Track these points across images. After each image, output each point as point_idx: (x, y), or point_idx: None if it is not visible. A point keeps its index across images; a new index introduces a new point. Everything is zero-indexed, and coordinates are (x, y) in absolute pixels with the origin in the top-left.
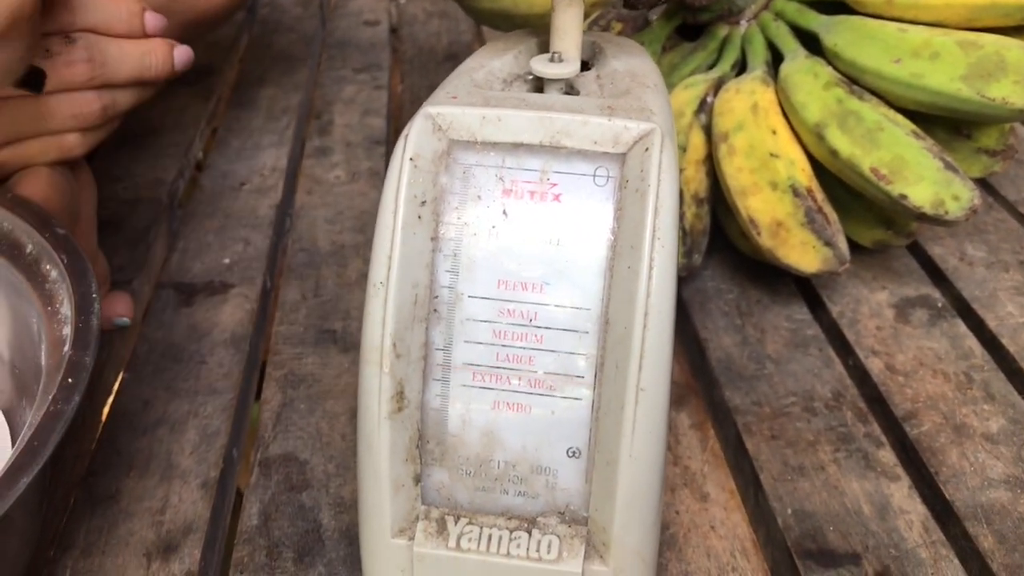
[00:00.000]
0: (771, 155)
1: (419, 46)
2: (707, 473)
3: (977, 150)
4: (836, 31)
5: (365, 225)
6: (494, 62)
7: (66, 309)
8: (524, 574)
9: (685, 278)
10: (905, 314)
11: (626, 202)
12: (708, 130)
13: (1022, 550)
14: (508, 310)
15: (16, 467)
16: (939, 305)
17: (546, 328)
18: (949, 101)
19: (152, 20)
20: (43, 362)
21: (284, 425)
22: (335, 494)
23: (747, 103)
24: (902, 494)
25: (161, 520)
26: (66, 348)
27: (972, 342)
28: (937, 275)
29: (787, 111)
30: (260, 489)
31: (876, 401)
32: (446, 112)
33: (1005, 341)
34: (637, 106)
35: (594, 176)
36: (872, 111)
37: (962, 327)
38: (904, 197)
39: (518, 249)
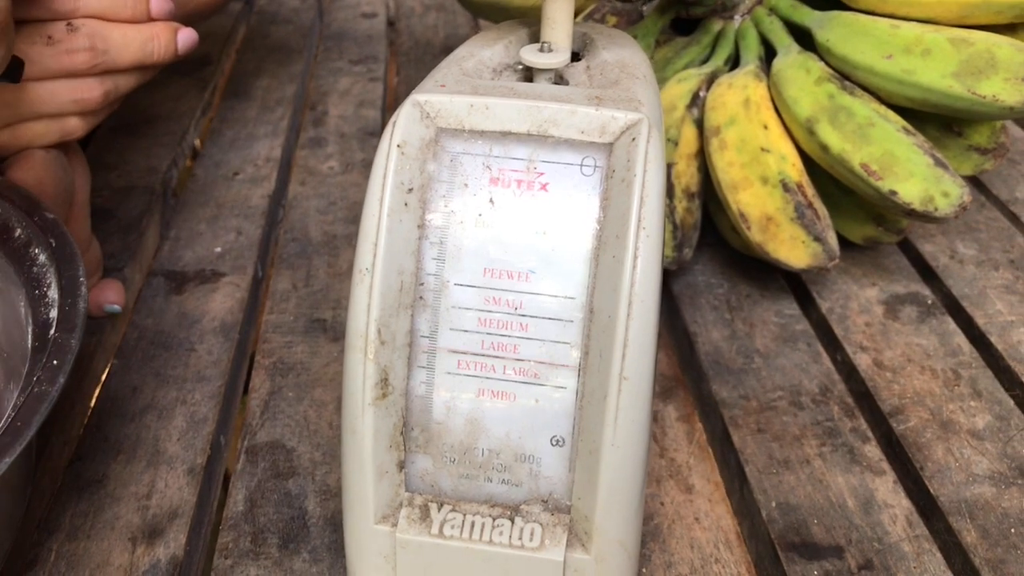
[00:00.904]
0: (762, 150)
1: (416, 39)
2: (693, 465)
3: (968, 148)
4: (829, 27)
5: (358, 216)
6: (484, 52)
7: (53, 293)
8: (506, 561)
9: (675, 272)
10: (894, 311)
11: (612, 192)
12: (700, 124)
13: (1005, 545)
14: (494, 298)
15: None
16: (928, 302)
17: (531, 317)
18: (940, 98)
19: (157, 4)
20: (29, 345)
21: (272, 413)
22: (321, 482)
23: (739, 98)
24: (887, 489)
25: (147, 505)
26: (52, 331)
27: (960, 339)
28: (927, 272)
29: (779, 106)
30: (246, 476)
31: (863, 396)
32: (434, 100)
33: (993, 339)
34: (625, 96)
35: (581, 166)
36: (863, 107)
37: (951, 324)
38: (894, 193)
39: (504, 238)
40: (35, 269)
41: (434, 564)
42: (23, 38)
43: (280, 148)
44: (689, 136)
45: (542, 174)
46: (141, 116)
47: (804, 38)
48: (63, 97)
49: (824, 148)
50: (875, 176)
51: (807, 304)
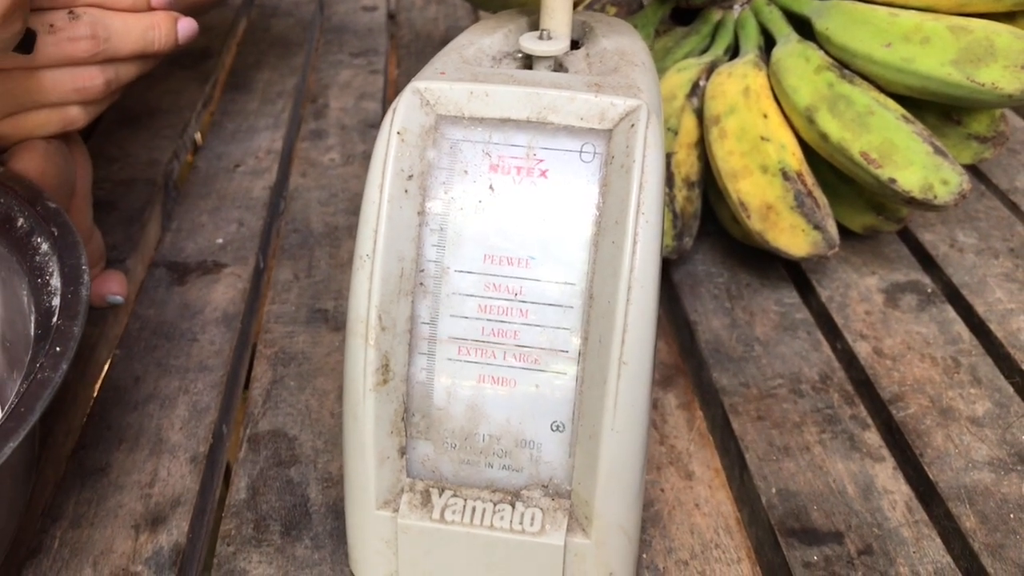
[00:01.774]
0: (762, 138)
1: (416, 32)
2: (693, 452)
3: (967, 136)
4: (828, 15)
5: (359, 207)
6: (484, 40)
7: (56, 281)
8: (507, 546)
9: (675, 261)
10: (894, 299)
11: (611, 178)
12: (700, 114)
13: (1004, 530)
14: (494, 284)
15: (2, 433)
16: (928, 291)
17: (531, 303)
18: (939, 86)
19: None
20: (32, 334)
21: (274, 402)
22: (323, 469)
23: (739, 87)
24: (886, 475)
25: (150, 493)
26: (55, 318)
27: (960, 327)
28: (927, 261)
29: (778, 95)
30: (249, 464)
31: (863, 384)
32: (434, 87)
33: (993, 327)
34: (624, 83)
35: (580, 152)
36: (863, 95)
37: (951, 312)
38: (893, 181)
39: (504, 224)
40: (37, 258)
41: (435, 549)
42: None
43: (281, 140)
44: (689, 125)
45: (541, 161)
46: (142, 109)
47: (803, 27)
48: (65, 86)
49: (823, 136)
50: (874, 164)
51: (807, 293)
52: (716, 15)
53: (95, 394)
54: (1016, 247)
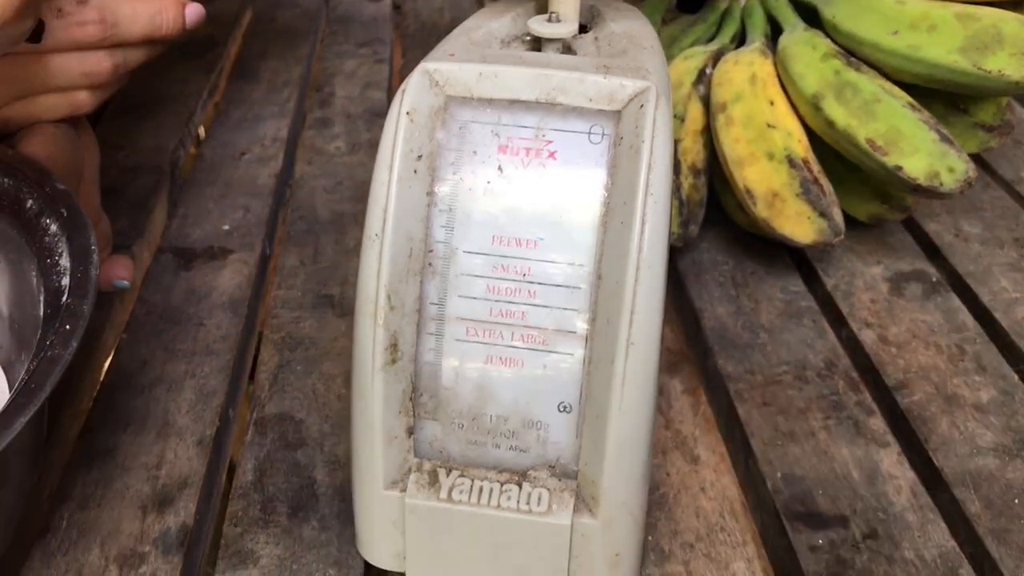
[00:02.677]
0: (768, 126)
1: (422, 21)
2: (698, 437)
3: (974, 125)
4: (834, 3)
5: (365, 195)
6: (493, 23)
7: (65, 261)
8: (514, 526)
9: (681, 249)
10: (899, 288)
11: (620, 159)
12: (706, 101)
13: (1008, 515)
14: (502, 265)
15: (12, 408)
16: (933, 280)
17: (539, 284)
18: (946, 73)
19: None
20: (41, 314)
21: (280, 386)
22: (330, 452)
23: (745, 74)
24: (891, 460)
25: (157, 475)
26: (64, 298)
27: (965, 316)
28: (932, 251)
29: (785, 82)
30: (256, 447)
31: (868, 371)
32: (443, 68)
33: (998, 315)
34: (633, 65)
35: (589, 134)
36: (869, 83)
37: (956, 301)
38: (899, 168)
39: (513, 205)
40: (47, 239)
41: (442, 529)
42: None
43: (287, 129)
44: (695, 113)
45: (550, 142)
46: (149, 97)
47: (810, 15)
48: (73, 70)
49: (830, 124)
50: (880, 151)
51: (812, 281)
52: (723, 3)
53: (102, 378)
54: (1021, 237)
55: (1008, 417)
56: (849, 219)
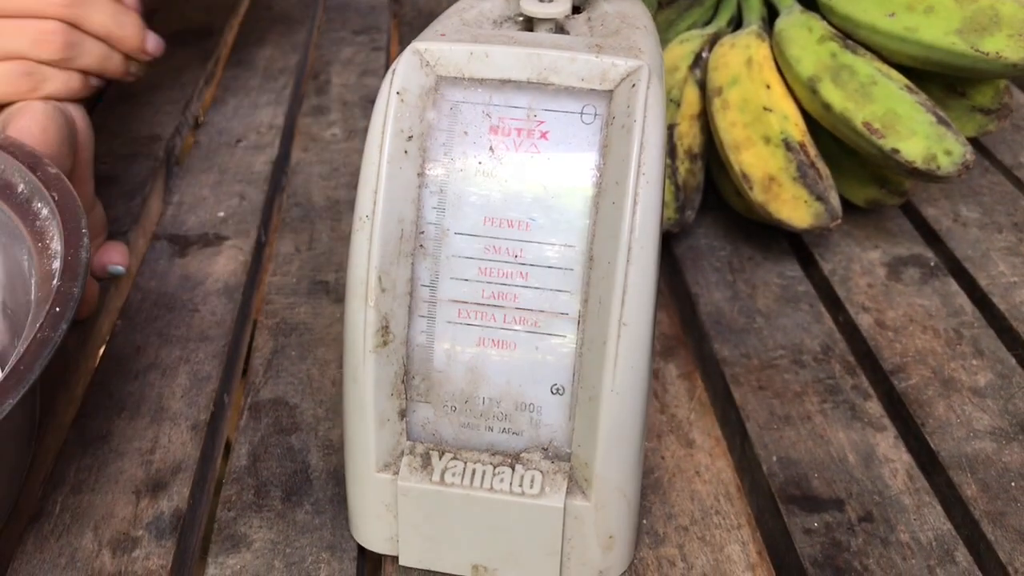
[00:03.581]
0: (764, 109)
1: (419, 9)
2: (694, 421)
3: (972, 108)
4: None
5: None
6: (485, 3)
7: (56, 244)
8: (507, 508)
9: (678, 234)
10: (897, 272)
11: (612, 139)
12: (703, 85)
13: (1005, 498)
14: (494, 247)
15: (1, 391)
16: (931, 264)
17: (532, 265)
18: (943, 55)
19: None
20: (33, 297)
21: (275, 371)
22: (324, 436)
23: (742, 58)
24: (887, 444)
25: (151, 460)
26: (55, 281)
27: (963, 300)
28: (930, 235)
29: (781, 66)
30: (250, 431)
31: (865, 355)
32: (434, 48)
33: (996, 299)
34: (626, 45)
35: (581, 114)
36: (866, 65)
37: (954, 285)
38: (896, 151)
39: (504, 186)
40: (38, 223)
41: (435, 511)
42: None
43: (283, 116)
44: (692, 97)
45: (542, 122)
46: (145, 85)
47: None
48: (24, 34)
49: (826, 107)
50: (877, 134)
51: (809, 266)
52: None
53: (96, 364)
54: (1020, 221)
55: (1005, 401)
56: (847, 204)
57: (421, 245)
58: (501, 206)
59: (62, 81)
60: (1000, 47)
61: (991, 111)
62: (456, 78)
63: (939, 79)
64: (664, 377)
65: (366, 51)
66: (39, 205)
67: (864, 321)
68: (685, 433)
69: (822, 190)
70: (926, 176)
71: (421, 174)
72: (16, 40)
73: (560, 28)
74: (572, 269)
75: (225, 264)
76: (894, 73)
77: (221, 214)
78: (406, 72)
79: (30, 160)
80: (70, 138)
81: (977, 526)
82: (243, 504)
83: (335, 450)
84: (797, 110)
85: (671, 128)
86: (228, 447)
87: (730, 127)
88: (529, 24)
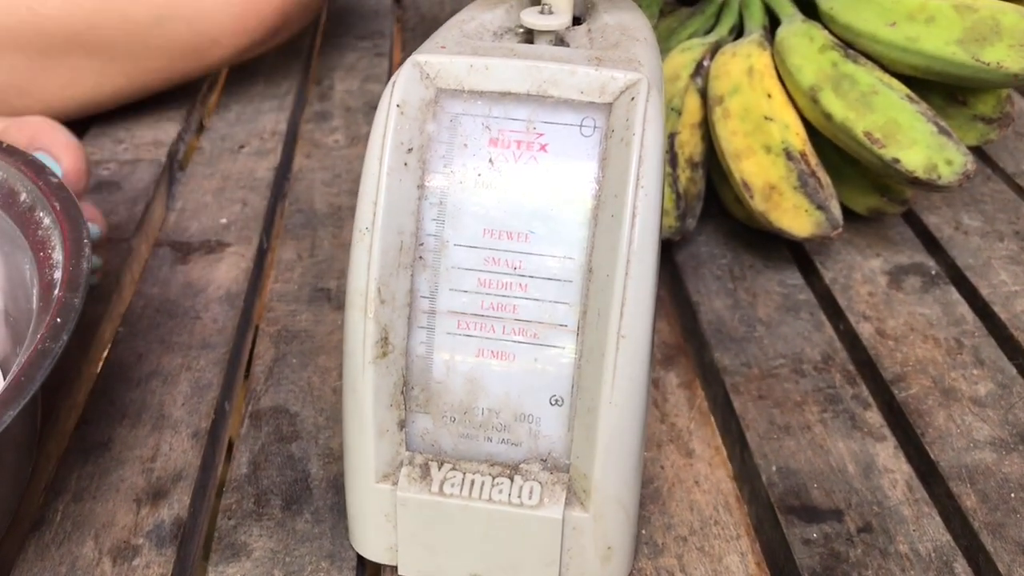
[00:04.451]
0: (765, 118)
1: (422, 15)
2: (693, 430)
3: (973, 117)
4: None
5: None
6: (485, 15)
7: (58, 254)
8: (506, 519)
9: (679, 242)
10: (898, 281)
11: (611, 152)
12: (704, 94)
13: (1004, 509)
14: (493, 259)
15: (3, 402)
16: (932, 273)
17: (531, 277)
18: (944, 65)
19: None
20: (35, 307)
21: (276, 379)
22: (324, 445)
23: (743, 66)
24: (887, 454)
25: (152, 468)
26: (56, 291)
27: (964, 309)
28: (932, 244)
29: (782, 75)
30: (250, 439)
31: (865, 364)
32: (434, 60)
33: (997, 308)
34: (625, 57)
35: (580, 126)
36: (867, 75)
37: (955, 294)
38: (897, 161)
39: (504, 198)
40: (40, 232)
41: (434, 522)
42: None
43: (286, 122)
44: (693, 106)
45: (541, 135)
46: None
47: (808, 7)
48: None
49: (827, 116)
50: (878, 144)
51: (810, 274)
52: None
53: (98, 371)
54: (1021, 230)
55: (1005, 411)
56: (848, 212)
57: (420, 257)
58: (500, 218)
59: None
60: (1001, 57)
61: (993, 120)
62: (456, 90)
63: (940, 88)
64: (664, 386)
65: (369, 57)
66: (41, 214)
67: (865, 330)
68: (685, 443)
69: (823, 199)
70: (927, 186)
71: (421, 186)
72: None
73: (560, 40)
74: (571, 281)
75: (227, 271)
76: (895, 82)
77: (223, 220)
78: (406, 84)
79: (33, 169)
80: None
81: (976, 537)
82: (243, 512)
83: (335, 459)
84: (798, 119)
85: (672, 136)
86: (229, 455)
87: (731, 136)
88: (529, 36)
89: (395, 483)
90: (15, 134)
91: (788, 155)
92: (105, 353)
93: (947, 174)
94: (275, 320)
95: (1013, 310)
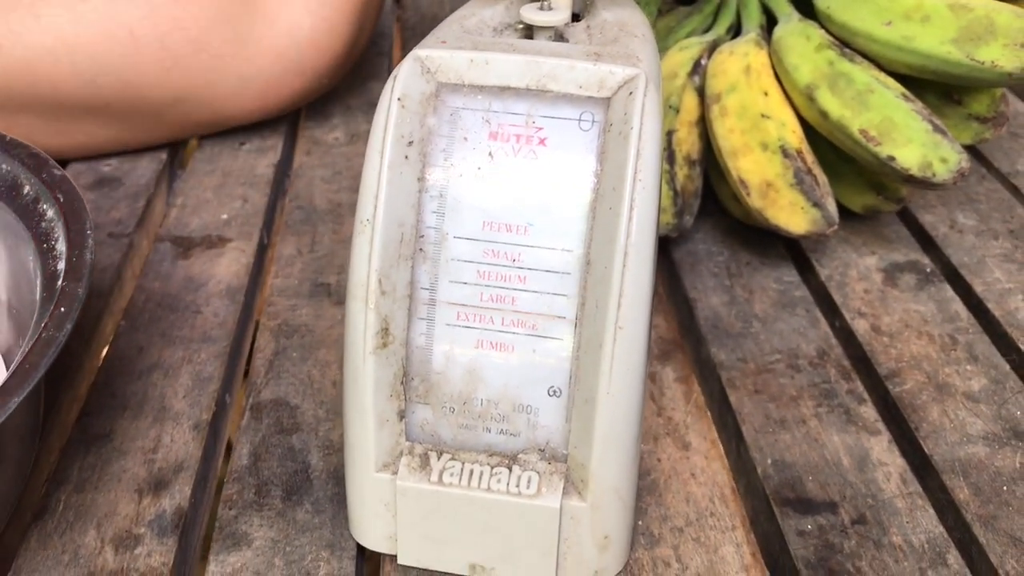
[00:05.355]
0: (762, 116)
1: (422, 14)
2: (690, 424)
3: (968, 116)
4: None
5: None
6: (485, 11)
7: (61, 246)
8: (504, 508)
9: (676, 239)
10: (893, 278)
11: (609, 145)
12: (701, 92)
13: (996, 502)
14: (492, 251)
15: (6, 390)
16: (927, 270)
17: (530, 269)
18: (939, 64)
19: None
20: (38, 298)
21: (276, 372)
22: (324, 437)
23: (740, 65)
24: (881, 448)
25: (153, 459)
26: (60, 281)
27: (958, 306)
28: (927, 242)
29: (779, 73)
30: (251, 431)
31: (860, 360)
32: (435, 55)
33: (991, 305)
34: (623, 52)
35: (579, 120)
36: (863, 73)
37: (949, 292)
38: (892, 159)
39: (503, 191)
40: (43, 224)
41: (434, 511)
42: None
43: (286, 119)
44: (690, 103)
45: (541, 129)
46: None
47: (805, 6)
48: None
49: (823, 114)
50: (874, 142)
51: (806, 272)
52: None
53: (100, 363)
54: (1016, 229)
55: (998, 406)
56: (844, 210)
57: (421, 249)
58: (500, 211)
59: None
60: (995, 56)
61: (987, 119)
62: (456, 85)
63: (935, 87)
64: (661, 380)
65: (370, 55)
66: (44, 207)
67: (860, 326)
68: (681, 436)
69: (819, 197)
70: (922, 183)
71: (421, 179)
72: None
73: (559, 36)
74: (569, 273)
75: (228, 266)
76: (891, 81)
77: (224, 216)
78: (407, 79)
79: (36, 162)
80: None
81: (969, 529)
82: (244, 503)
83: (335, 450)
84: (795, 117)
85: (670, 134)
86: (229, 447)
87: (728, 133)
88: (529, 32)
89: (395, 473)
90: None
91: (784, 153)
92: (107, 346)
93: (942, 172)
94: (275, 314)
95: (1007, 307)
